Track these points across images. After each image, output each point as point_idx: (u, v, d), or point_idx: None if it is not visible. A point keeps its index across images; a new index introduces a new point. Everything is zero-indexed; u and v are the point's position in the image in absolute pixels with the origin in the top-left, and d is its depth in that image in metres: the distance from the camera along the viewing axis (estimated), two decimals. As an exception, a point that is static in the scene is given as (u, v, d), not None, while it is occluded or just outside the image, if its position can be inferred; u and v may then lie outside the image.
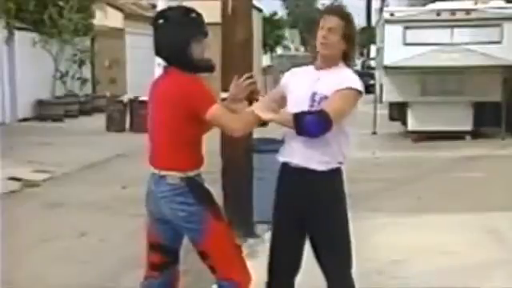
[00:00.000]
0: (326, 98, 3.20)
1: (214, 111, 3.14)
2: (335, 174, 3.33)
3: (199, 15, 3.29)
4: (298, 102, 3.27)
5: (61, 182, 9.28)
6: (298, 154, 3.26)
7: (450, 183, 8.57)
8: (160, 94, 3.27)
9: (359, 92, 3.24)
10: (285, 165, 3.34)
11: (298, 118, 3.12)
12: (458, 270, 4.95)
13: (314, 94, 3.22)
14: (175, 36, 3.21)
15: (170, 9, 3.42)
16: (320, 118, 3.10)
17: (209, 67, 3.30)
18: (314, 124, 3.10)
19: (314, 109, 3.20)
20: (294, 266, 3.41)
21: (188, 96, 3.15)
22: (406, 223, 6.42)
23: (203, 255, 3.27)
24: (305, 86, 3.28)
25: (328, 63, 3.29)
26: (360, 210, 6.88)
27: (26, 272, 5.27)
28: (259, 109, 3.16)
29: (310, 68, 3.38)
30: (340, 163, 3.33)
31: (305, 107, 3.21)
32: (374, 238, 5.88)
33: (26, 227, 6.76)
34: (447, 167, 9.86)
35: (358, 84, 3.25)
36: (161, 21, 3.27)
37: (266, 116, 3.13)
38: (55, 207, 7.65)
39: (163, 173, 3.22)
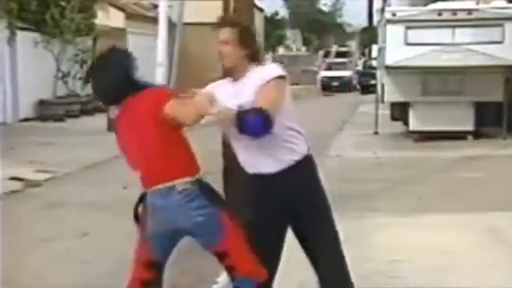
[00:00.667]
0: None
1: (171, 106, 3.18)
2: (297, 169, 3.25)
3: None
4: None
5: (62, 182, 9.29)
6: (251, 162, 3.26)
7: (451, 183, 8.57)
8: (135, 118, 3.27)
9: (283, 77, 3.18)
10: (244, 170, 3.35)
11: (240, 115, 3.01)
12: (459, 270, 4.95)
13: (240, 106, 3.12)
14: (117, 75, 3.36)
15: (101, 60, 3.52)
16: (263, 116, 3.00)
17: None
18: (257, 124, 3.01)
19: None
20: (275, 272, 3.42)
21: (157, 103, 3.21)
22: (406, 223, 6.42)
23: (222, 255, 3.24)
24: (226, 98, 3.18)
25: (239, 73, 3.24)
26: (361, 210, 6.92)
27: (28, 271, 5.28)
28: (204, 102, 3.05)
29: (227, 80, 3.33)
30: (299, 159, 3.26)
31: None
32: (374, 237, 5.88)
33: (27, 227, 6.77)
34: (448, 167, 9.86)
35: (278, 71, 3.20)
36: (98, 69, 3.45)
37: (211, 110, 3.04)
38: (56, 207, 7.66)
39: (170, 183, 3.17)
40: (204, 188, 3.21)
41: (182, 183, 3.16)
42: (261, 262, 3.27)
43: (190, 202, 3.16)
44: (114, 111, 3.41)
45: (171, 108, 3.17)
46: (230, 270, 3.26)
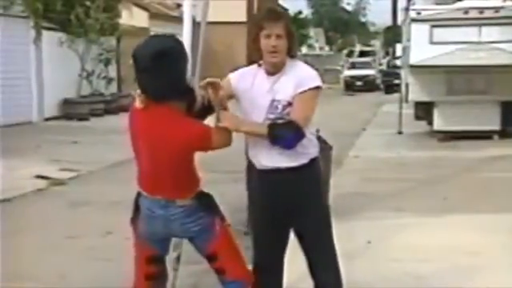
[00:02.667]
0: (288, 103, 3.14)
1: (215, 143, 3.11)
2: (307, 168, 3.26)
3: (171, 50, 3.08)
4: (255, 109, 3.21)
5: (86, 181, 9.36)
6: (264, 155, 3.23)
7: (476, 183, 8.47)
8: (158, 138, 3.09)
9: (320, 88, 3.20)
10: (252, 165, 3.36)
11: (274, 130, 3.08)
12: (484, 271, 4.89)
13: (273, 101, 3.16)
14: (170, 73, 3.05)
15: (150, 49, 3.09)
16: (297, 133, 3.08)
17: (193, 98, 3.18)
18: (291, 139, 3.10)
19: (274, 116, 3.15)
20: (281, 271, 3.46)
21: (191, 141, 3.08)
22: (431, 223, 6.36)
23: (212, 258, 3.26)
24: (260, 92, 3.19)
25: (278, 67, 3.20)
26: (385, 210, 6.87)
27: (51, 269, 5.32)
28: (230, 120, 3.08)
29: (260, 72, 3.25)
30: (309, 160, 3.27)
31: (263, 114, 3.17)
32: (399, 238, 5.83)
33: (51, 225, 6.83)
34: (474, 167, 9.74)
35: (317, 80, 3.20)
36: (150, 62, 3.04)
37: (241, 128, 3.09)
38: (80, 205, 7.71)
39: (172, 198, 3.16)
40: (201, 200, 3.20)
41: (182, 200, 3.16)
42: (261, 260, 3.33)
43: (187, 216, 3.17)
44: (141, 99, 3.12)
45: (212, 144, 3.11)
46: (220, 272, 3.28)
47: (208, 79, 3.12)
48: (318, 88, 3.18)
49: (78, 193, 8.45)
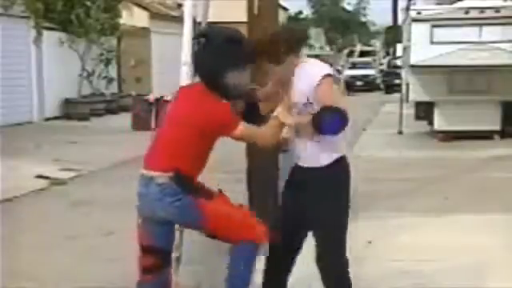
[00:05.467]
0: (308, 103, 3.29)
1: (241, 133, 3.22)
2: (336, 165, 3.40)
3: (241, 42, 3.30)
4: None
5: (87, 181, 9.36)
6: (304, 154, 3.40)
7: (477, 183, 8.46)
8: (186, 113, 3.26)
9: (329, 75, 3.33)
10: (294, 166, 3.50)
11: (320, 120, 3.17)
12: (484, 271, 4.89)
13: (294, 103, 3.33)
14: (213, 61, 3.22)
15: (214, 29, 3.41)
16: (340, 113, 3.16)
17: (239, 96, 3.36)
18: (338, 121, 3.17)
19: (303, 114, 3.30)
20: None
21: (214, 120, 3.19)
22: (432, 223, 6.36)
23: (212, 235, 3.33)
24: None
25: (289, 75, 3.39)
26: (386, 210, 6.86)
27: (53, 269, 5.32)
28: (282, 114, 3.24)
29: None
30: (338, 156, 3.41)
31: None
32: (400, 237, 5.83)
33: (52, 225, 6.83)
34: (475, 167, 9.74)
35: (323, 70, 3.34)
36: (203, 40, 3.28)
37: (289, 120, 3.25)
38: (81, 205, 7.72)
39: (153, 174, 3.25)
40: (181, 182, 3.24)
41: (161, 177, 3.22)
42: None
43: (166, 195, 3.22)
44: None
45: (247, 137, 3.29)
46: (227, 242, 3.34)
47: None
48: (327, 76, 3.31)
49: (79, 193, 8.45)
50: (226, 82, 3.24)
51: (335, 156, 3.39)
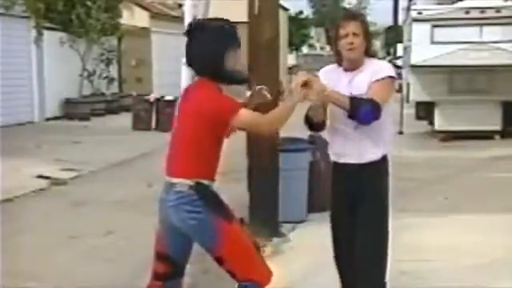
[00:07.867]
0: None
1: (241, 117, 3.15)
2: (380, 163, 3.51)
3: (233, 26, 3.31)
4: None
5: (88, 181, 9.36)
6: (347, 151, 3.46)
7: (478, 183, 8.46)
8: (190, 107, 3.24)
9: (394, 78, 3.45)
10: (335, 163, 3.56)
11: (355, 102, 3.23)
12: (485, 271, 4.89)
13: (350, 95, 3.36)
14: (209, 47, 3.21)
15: (203, 20, 3.46)
16: (374, 107, 3.25)
17: (241, 79, 3.33)
18: (368, 112, 3.24)
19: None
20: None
21: (219, 111, 3.14)
22: (433, 223, 6.36)
23: (220, 261, 3.21)
24: (339, 87, 3.39)
25: (356, 64, 3.44)
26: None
27: (53, 269, 5.33)
28: (315, 81, 3.21)
29: (340, 69, 3.51)
30: (382, 155, 3.51)
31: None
32: (399, 238, 5.81)
33: (53, 225, 6.83)
34: (475, 167, 9.74)
35: (391, 71, 3.44)
36: (196, 32, 3.26)
37: (322, 88, 3.21)
38: (82, 205, 7.72)
39: (174, 180, 3.20)
40: (202, 194, 3.17)
41: (181, 184, 3.18)
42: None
43: (184, 204, 3.16)
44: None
45: (248, 122, 3.21)
46: (231, 274, 3.25)
47: (302, 78, 3.22)
48: (392, 77, 3.41)
49: (80, 193, 8.45)
50: (225, 66, 3.21)
51: (376, 154, 3.46)
